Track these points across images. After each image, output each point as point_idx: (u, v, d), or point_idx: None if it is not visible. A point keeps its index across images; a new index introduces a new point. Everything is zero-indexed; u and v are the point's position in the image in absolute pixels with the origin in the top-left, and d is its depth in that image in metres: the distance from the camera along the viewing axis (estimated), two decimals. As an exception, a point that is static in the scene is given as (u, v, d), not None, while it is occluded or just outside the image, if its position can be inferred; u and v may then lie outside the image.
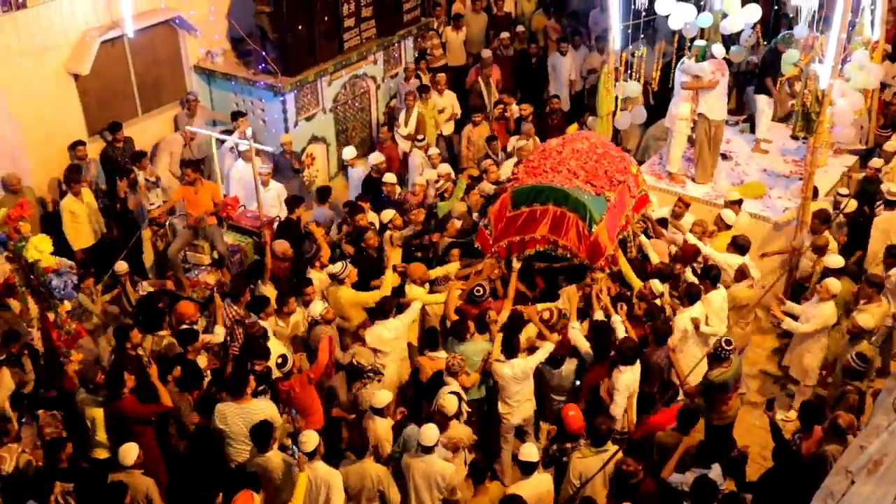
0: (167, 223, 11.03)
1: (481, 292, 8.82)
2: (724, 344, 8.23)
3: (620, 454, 7.35)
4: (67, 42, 11.49)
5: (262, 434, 7.37)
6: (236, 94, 13.09)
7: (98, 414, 7.97)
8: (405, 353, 9.09)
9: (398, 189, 11.54)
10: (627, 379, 8.10)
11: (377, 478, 7.25)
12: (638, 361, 8.20)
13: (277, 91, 12.55)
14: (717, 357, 8.27)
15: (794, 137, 12.41)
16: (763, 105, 12.36)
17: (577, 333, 8.60)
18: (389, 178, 11.52)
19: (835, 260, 9.55)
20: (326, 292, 9.52)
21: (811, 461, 7.31)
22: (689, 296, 8.92)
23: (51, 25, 11.23)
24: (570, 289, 9.12)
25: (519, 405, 8.35)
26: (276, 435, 7.57)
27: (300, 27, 12.45)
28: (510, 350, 8.22)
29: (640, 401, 8.38)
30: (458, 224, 10.36)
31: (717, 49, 11.21)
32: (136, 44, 12.22)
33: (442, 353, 8.51)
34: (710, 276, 9.12)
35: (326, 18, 12.77)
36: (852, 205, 10.65)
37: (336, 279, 9.42)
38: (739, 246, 9.75)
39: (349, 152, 12.41)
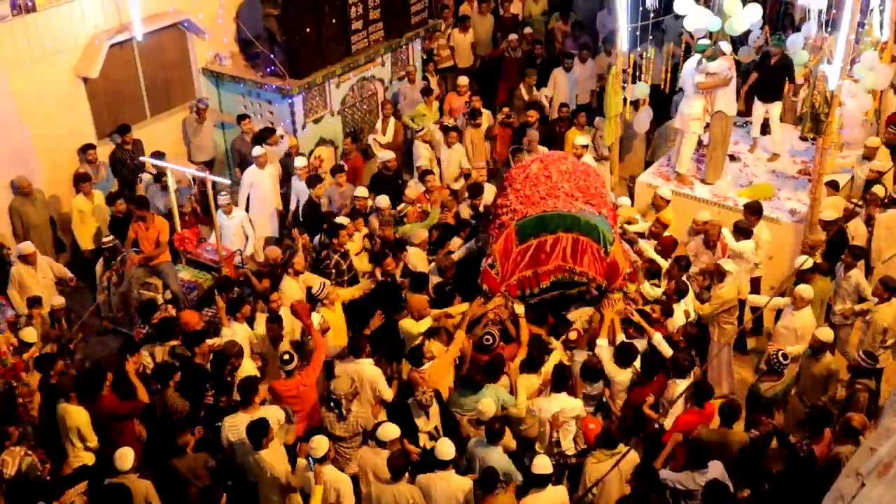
0: (120, 258, 10.49)
1: (491, 341, 8.24)
2: (780, 357, 8.27)
3: (633, 452, 7.35)
4: (77, 45, 11.54)
5: (257, 431, 7.25)
6: (244, 97, 13.12)
7: (83, 419, 7.94)
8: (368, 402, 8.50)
9: (370, 203, 11.00)
10: (683, 389, 8.03)
11: (412, 499, 7.07)
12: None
13: (285, 93, 12.57)
14: (770, 370, 8.30)
15: (803, 138, 12.38)
16: (755, 108, 12.32)
17: (606, 352, 8.40)
18: (361, 191, 11.02)
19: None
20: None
21: (825, 465, 7.29)
22: (679, 292, 9.08)
23: (60, 29, 11.28)
24: (586, 310, 8.88)
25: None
26: (273, 435, 7.44)
27: (308, 30, 12.47)
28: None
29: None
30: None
31: (726, 45, 11.19)
32: (145, 47, 12.27)
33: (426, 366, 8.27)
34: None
35: (334, 21, 12.78)
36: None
37: (316, 300, 9.07)
38: (743, 230, 9.95)
39: (300, 162, 11.82)
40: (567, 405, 7.88)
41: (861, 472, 5.43)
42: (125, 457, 7.15)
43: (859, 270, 9.67)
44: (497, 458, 7.37)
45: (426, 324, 8.69)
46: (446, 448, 7.15)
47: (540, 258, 8.59)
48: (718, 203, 11.26)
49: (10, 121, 10.94)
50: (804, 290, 9.01)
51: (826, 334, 8.54)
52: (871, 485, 5.34)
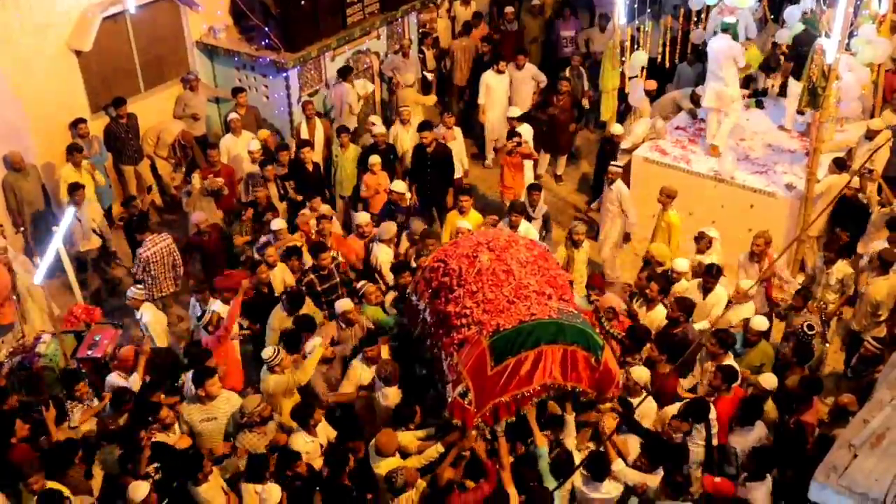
0: None
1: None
2: (806, 329, 8.28)
3: None
4: (69, 19, 11.42)
5: (192, 465, 7.01)
6: (239, 71, 13.04)
7: None
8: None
9: (408, 196, 10.93)
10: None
11: None
12: None
13: (280, 67, 12.49)
14: (800, 345, 8.29)
15: (800, 112, 12.33)
16: (790, 86, 12.24)
17: (630, 472, 7.18)
18: (278, 224, 10.14)
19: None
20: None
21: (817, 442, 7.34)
22: (686, 309, 8.70)
23: (52, 2, 11.15)
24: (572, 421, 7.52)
25: None
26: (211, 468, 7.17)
27: (303, 2, 12.36)
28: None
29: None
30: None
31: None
32: (138, 20, 12.15)
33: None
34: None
35: (329, -7, 12.71)
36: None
37: (268, 365, 8.07)
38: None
39: (255, 145, 11.32)
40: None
41: (854, 444, 5.47)
42: (139, 489, 6.79)
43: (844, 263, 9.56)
44: None
45: (395, 462, 7.18)
46: None
47: (522, 380, 6.95)
48: (718, 179, 11.26)
49: (2, 96, 10.84)
50: (746, 284, 8.93)
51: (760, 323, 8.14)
52: (863, 456, 5.38)
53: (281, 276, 9.60)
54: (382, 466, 7.05)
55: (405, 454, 7.28)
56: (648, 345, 8.33)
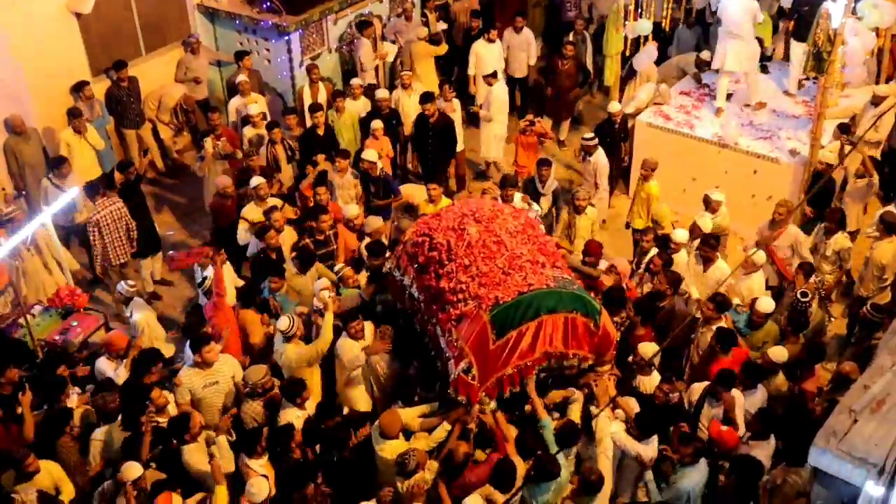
0: None
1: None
2: (799, 296, 8.29)
3: None
4: (69, -20, 11.35)
5: (178, 427, 7.10)
6: (241, 34, 12.92)
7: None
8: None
9: (380, 166, 10.50)
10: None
11: None
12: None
13: (282, 30, 12.38)
14: (796, 314, 8.28)
15: (805, 77, 12.25)
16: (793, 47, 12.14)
17: (624, 436, 7.16)
18: (257, 181, 10.02)
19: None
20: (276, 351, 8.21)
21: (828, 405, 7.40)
22: (674, 283, 8.64)
23: (51, -37, 11.07)
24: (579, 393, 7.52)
25: None
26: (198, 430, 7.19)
27: (305, -36, 12.27)
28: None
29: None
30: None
31: None
32: (139, -18, 12.08)
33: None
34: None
35: (331, -45, 12.58)
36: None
37: (284, 335, 8.02)
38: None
39: (255, 109, 11.29)
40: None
41: (854, 409, 5.52)
42: (131, 469, 6.68)
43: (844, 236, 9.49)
44: None
45: (399, 444, 7.07)
46: None
47: (525, 351, 6.94)
48: (722, 144, 11.22)
49: (2, 58, 10.77)
50: (758, 256, 8.90)
51: (779, 354, 7.86)
52: (863, 421, 5.44)
53: (289, 240, 9.62)
54: (387, 449, 7.00)
55: (408, 433, 7.22)
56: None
